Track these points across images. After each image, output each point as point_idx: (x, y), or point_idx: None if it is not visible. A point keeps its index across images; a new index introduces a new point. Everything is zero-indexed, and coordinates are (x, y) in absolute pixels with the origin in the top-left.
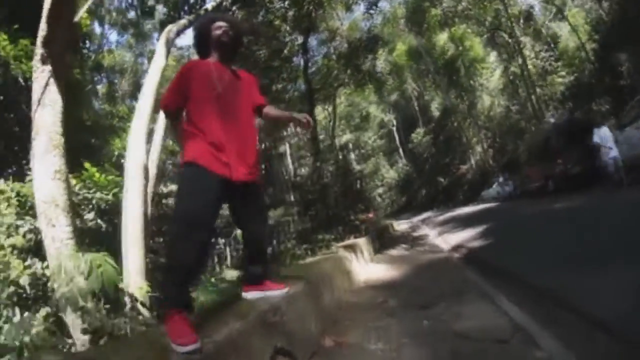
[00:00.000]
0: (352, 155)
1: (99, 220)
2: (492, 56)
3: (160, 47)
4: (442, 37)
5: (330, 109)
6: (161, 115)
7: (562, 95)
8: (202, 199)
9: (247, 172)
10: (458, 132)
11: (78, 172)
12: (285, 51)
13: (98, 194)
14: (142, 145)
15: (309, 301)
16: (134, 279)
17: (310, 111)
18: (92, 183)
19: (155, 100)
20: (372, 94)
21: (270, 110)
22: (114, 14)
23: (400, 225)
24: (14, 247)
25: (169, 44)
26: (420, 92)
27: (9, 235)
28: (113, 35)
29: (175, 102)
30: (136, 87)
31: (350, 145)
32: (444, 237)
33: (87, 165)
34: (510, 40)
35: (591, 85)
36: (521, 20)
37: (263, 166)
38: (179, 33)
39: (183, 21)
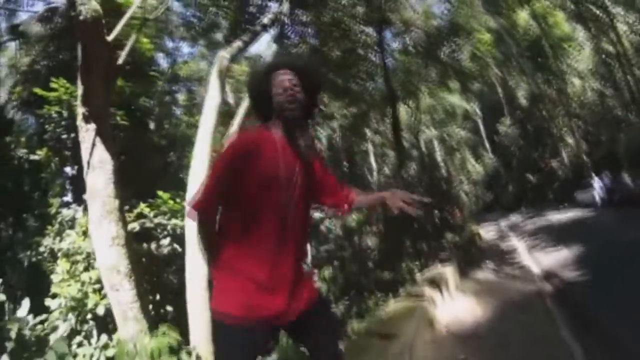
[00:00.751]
0: (437, 151)
1: (174, 245)
2: (580, 32)
3: (213, 80)
4: (522, 16)
5: (412, 105)
6: None
7: None
8: None
9: (305, 303)
10: (547, 122)
11: (152, 198)
12: (359, 50)
13: (173, 220)
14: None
15: None
16: (202, 348)
17: (393, 111)
18: (168, 209)
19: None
20: (455, 86)
21: (355, 197)
22: (181, 29)
23: (487, 233)
24: (90, 279)
25: (223, 74)
26: (504, 78)
27: (86, 268)
28: (186, 48)
29: (215, 202)
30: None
31: (435, 142)
32: (535, 255)
33: (160, 193)
34: (598, 12)
35: None
36: None
37: (345, 163)
38: (233, 59)
39: (237, 44)
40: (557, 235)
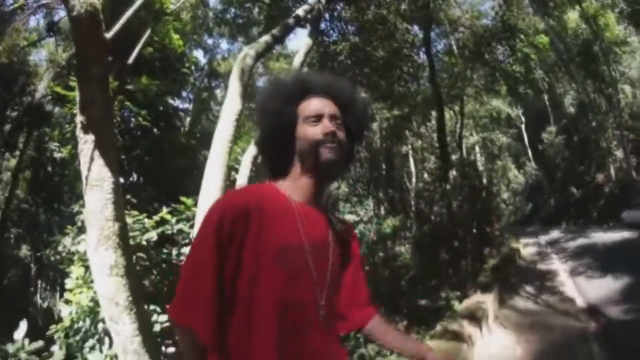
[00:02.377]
0: (478, 157)
1: None
2: (634, 36)
3: (233, 82)
4: (572, 17)
5: (456, 109)
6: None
7: None
8: None
9: None
10: (595, 133)
11: (176, 202)
12: (405, 50)
13: (196, 228)
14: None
15: None
16: None
17: (439, 114)
18: (192, 215)
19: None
20: (503, 90)
21: (379, 326)
22: (220, 26)
23: (527, 248)
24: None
25: (246, 76)
26: (552, 83)
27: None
28: (224, 44)
29: (203, 308)
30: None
31: (477, 148)
32: (578, 282)
33: (183, 198)
34: None
35: None
36: None
37: (384, 167)
38: (258, 57)
39: (265, 38)
40: (603, 260)
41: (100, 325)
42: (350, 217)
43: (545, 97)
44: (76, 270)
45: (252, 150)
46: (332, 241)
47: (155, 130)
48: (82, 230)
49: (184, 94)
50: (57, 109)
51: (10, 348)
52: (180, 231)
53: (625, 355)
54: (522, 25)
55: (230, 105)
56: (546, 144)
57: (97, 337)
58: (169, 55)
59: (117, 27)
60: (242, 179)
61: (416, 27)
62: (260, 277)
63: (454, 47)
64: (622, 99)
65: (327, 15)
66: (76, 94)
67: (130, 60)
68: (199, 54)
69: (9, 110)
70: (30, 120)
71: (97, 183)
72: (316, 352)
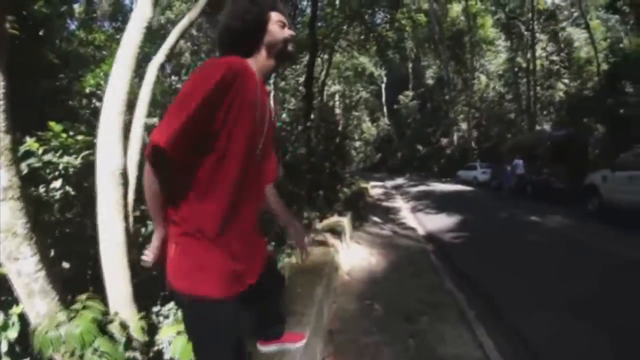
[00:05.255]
0: (337, 106)
1: (67, 188)
2: (502, 41)
3: None
4: (456, 9)
5: (325, 57)
6: (142, 99)
7: (559, 103)
8: (229, 350)
9: (263, 263)
10: (446, 105)
11: (42, 130)
12: None
13: (65, 158)
14: (116, 149)
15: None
16: (124, 312)
17: (311, 59)
18: (59, 144)
19: (135, 73)
20: (372, 51)
21: (271, 193)
22: None
23: (374, 189)
24: None
25: None
26: (418, 55)
27: None
28: None
29: (187, 141)
30: (118, 7)
31: (337, 96)
32: (418, 216)
33: (52, 124)
34: (526, 33)
35: (591, 102)
36: (542, 18)
37: None
38: None
39: None
40: (439, 203)
41: None
42: None
43: (410, 65)
44: None
45: (159, 58)
46: (269, 103)
47: (17, 42)
48: None
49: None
50: None
51: None
52: (49, 163)
53: (454, 265)
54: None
55: (141, 12)
56: (402, 105)
57: None
58: None
59: None
60: (146, 85)
61: None
62: (238, 132)
63: (337, 2)
64: (476, 84)
65: None
66: None
67: None
68: None
69: None
70: None
71: None
72: (254, 175)
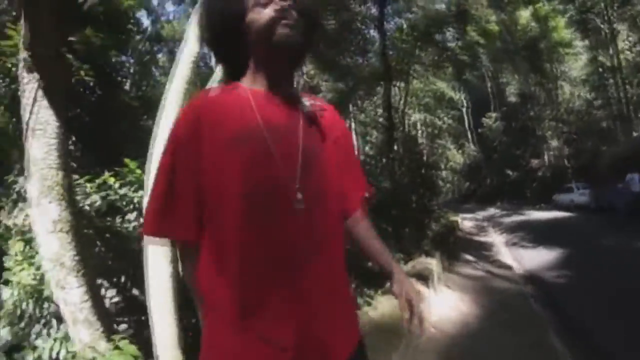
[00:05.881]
0: (420, 135)
1: (141, 220)
2: (579, 41)
3: (192, 26)
4: (524, 15)
5: (402, 85)
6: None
7: None
8: None
9: (347, 343)
10: (532, 122)
11: (120, 166)
12: (357, 23)
13: (140, 192)
14: None
15: None
16: (169, 354)
17: (387, 89)
18: (134, 179)
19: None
20: (449, 73)
21: (363, 228)
22: None
23: (465, 222)
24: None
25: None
26: (496, 73)
27: None
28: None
29: (179, 216)
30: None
31: (419, 126)
32: (514, 252)
33: (127, 161)
34: (602, 26)
35: None
36: (615, 5)
37: None
38: None
39: None
40: (536, 234)
41: (46, 307)
42: None
43: (489, 84)
44: (15, 246)
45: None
46: (303, 123)
47: (97, 88)
48: (18, 201)
49: (128, 53)
50: None
51: None
52: (124, 196)
53: (559, 313)
54: (475, 14)
55: (189, 48)
56: (486, 127)
57: (43, 321)
58: (114, 10)
59: None
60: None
61: (371, 3)
62: (222, 166)
63: (405, 26)
64: (561, 95)
65: None
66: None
67: (86, 6)
68: (142, 16)
69: None
70: None
71: (41, 127)
72: (289, 237)
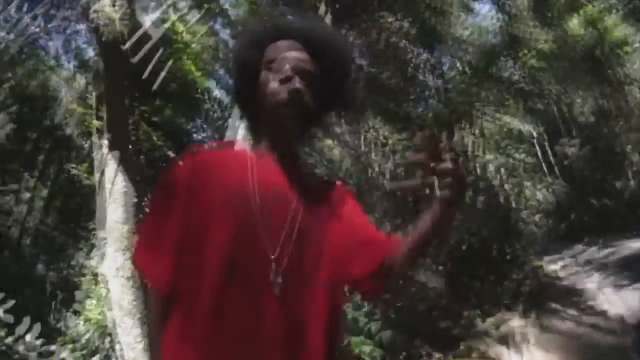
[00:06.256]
0: (494, 177)
1: None
2: (636, 36)
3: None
4: (574, 23)
5: (467, 128)
6: None
7: None
8: None
9: None
10: (607, 140)
11: None
12: (410, 69)
13: None
14: None
15: None
16: None
17: (450, 135)
18: None
19: None
20: (512, 107)
21: (399, 246)
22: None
23: (551, 265)
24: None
25: None
26: (560, 94)
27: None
28: None
29: (160, 261)
30: None
31: (491, 167)
32: (610, 295)
33: None
34: None
35: None
36: None
37: (409, 198)
38: None
39: None
40: (633, 270)
41: (108, 341)
42: None
43: (555, 108)
44: (87, 284)
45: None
46: (301, 197)
47: (171, 153)
48: (95, 246)
49: (198, 123)
50: (76, 132)
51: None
52: None
53: None
54: (526, 36)
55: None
56: (561, 157)
57: (104, 353)
58: (184, 82)
59: (142, 52)
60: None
61: (421, 48)
62: (204, 230)
63: (459, 66)
64: (631, 101)
65: None
66: (98, 113)
67: (155, 86)
68: (211, 85)
69: (30, 132)
70: (50, 142)
71: (120, 197)
72: (259, 320)
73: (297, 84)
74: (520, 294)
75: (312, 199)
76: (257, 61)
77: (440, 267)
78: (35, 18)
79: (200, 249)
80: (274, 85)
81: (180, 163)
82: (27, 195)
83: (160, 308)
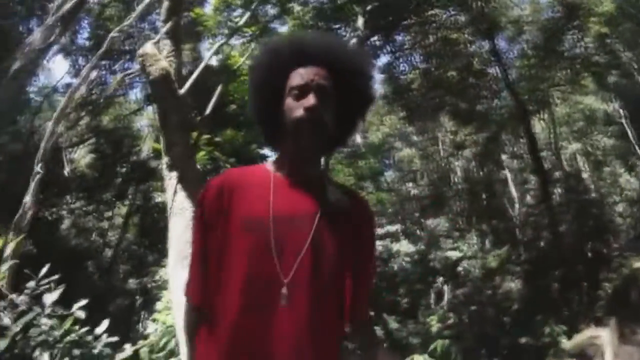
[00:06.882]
0: (582, 168)
1: None
2: None
3: None
4: None
5: (545, 116)
6: None
7: None
8: None
9: None
10: None
11: None
12: (475, 63)
13: None
14: None
15: None
16: None
17: (526, 128)
18: None
19: None
20: (589, 84)
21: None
22: None
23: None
24: None
25: None
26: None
27: None
28: None
29: (203, 282)
30: None
31: (578, 157)
32: None
33: None
34: None
35: None
36: None
37: (484, 196)
38: None
39: None
40: None
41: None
42: (452, 254)
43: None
44: (165, 294)
45: None
46: (320, 217)
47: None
48: None
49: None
50: (159, 165)
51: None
52: None
53: None
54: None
55: None
56: None
57: (179, 357)
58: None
59: (187, 85)
60: None
61: (480, 39)
62: (229, 250)
63: (524, 46)
64: None
65: (388, 48)
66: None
67: (207, 111)
68: None
69: (119, 167)
70: (137, 175)
71: (179, 212)
72: (272, 336)
73: (317, 105)
74: (615, 303)
75: (331, 220)
76: (280, 86)
77: (523, 275)
78: (113, 72)
79: (222, 270)
80: (298, 112)
81: (209, 186)
82: (120, 220)
83: (191, 318)
